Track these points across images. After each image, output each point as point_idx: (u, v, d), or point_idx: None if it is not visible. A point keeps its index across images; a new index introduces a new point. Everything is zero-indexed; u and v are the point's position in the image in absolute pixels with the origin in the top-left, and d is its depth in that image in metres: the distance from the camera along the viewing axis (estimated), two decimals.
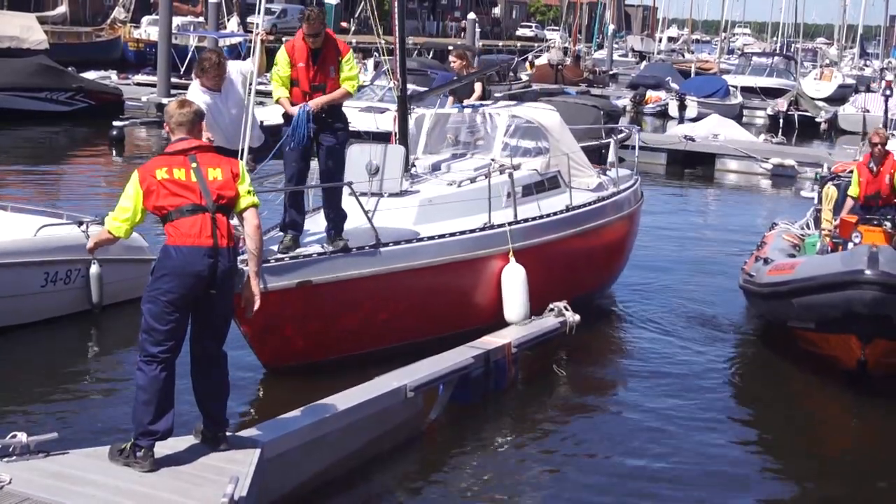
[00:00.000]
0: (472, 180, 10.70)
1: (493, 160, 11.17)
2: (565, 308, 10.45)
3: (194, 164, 6.32)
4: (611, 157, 13.80)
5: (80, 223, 10.85)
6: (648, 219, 19.17)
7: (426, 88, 16.14)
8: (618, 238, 12.60)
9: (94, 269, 10.70)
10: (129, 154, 24.57)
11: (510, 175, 10.63)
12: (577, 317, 10.46)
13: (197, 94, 9.40)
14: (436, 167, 11.27)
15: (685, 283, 14.19)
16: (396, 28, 11.06)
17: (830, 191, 12.95)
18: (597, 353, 11.14)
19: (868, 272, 9.39)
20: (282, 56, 9.18)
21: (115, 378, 9.47)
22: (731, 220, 20.42)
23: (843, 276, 9.58)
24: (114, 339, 10.74)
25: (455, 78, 12.69)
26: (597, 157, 14.07)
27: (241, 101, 9.49)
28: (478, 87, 12.52)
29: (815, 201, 13.93)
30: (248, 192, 6.46)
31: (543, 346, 10.24)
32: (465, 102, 12.21)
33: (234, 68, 9.77)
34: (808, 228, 13.49)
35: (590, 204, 11.67)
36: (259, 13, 9.93)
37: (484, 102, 12.21)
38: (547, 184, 11.46)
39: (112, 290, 10.92)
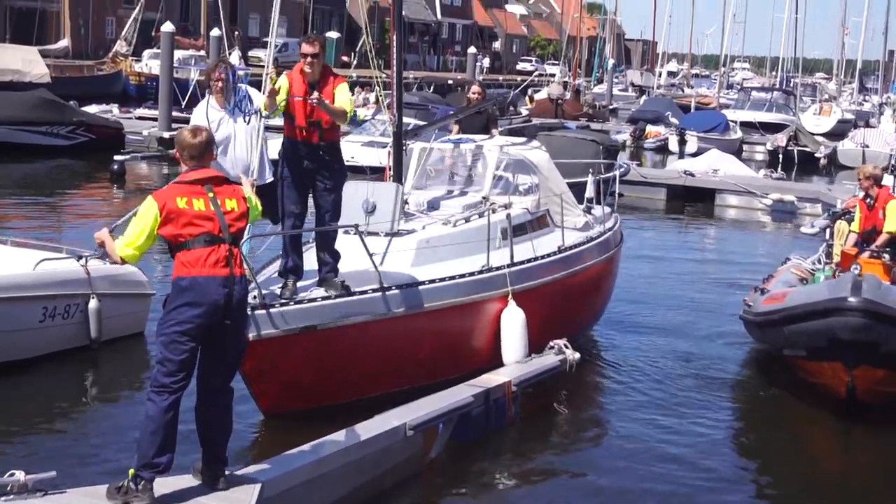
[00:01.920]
0: (467, 219, 10.57)
1: (484, 198, 11.08)
2: (565, 346, 10.41)
3: (211, 195, 6.43)
4: (588, 193, 13.64)
5: (80, 258, 10.83)
6: (648, 253, 19.23)
7: (425, 123, 16.11)
8: (605, 277, 12.60)
9: (93, 304, 10.64)
10: (129, 188, 24.58)
11: (508, 216, 10.50)
12: (577, 355, 10.43)
13: (208, 110, 9.43)
14: (427, 204, 11.11)
15: (684, 319, 14.15)
16: (394, 62, 11.01)
17: (842, 226, 13.02)
18: (596, 392, 11.10)
19: (851, 299, 9.53)
20: (283, 82, 8.95)
21: (114, 415, 9.42)
22: (731, 255, 20.39)
23: (828, 303, 9.76)
24: (112, 375, 10.67)
25: (451, 112, 12.63)
26: (594, 191, 14.01)
27: (252, 127, 9.41)
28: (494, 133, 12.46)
29: (827, 236, 14.02)
30: (256, 205, 6.83)
31: (543, 385, 10.19)
32: (453, 136, 12.12)
33: (255, 96, 9.69)
34: (820, 263, 13.52)
35: (582, 244, 11.63)
36: (270, 47, 9.75)
37: (472, 137, 12.07)
38: (538, 223, 11.40)
39: (111, 325, 10.87)
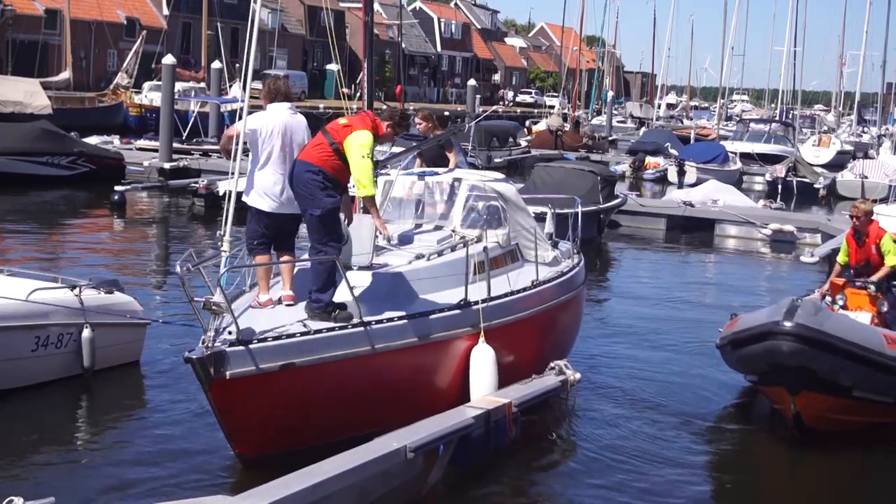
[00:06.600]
0: (440, 253, 10.29)
1: (453, 231, 10.91)
2: (566, 366, 10.38)
3: None
4: (547, 227, 13.41)
5: (74, 287, 10.80)
6: (646, 282, 19.23)
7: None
8: (576, 312, 12.41)
9: (86, 333, 10.59)
10: (130, 218, 24.62)
11: (485, 249, 10.19)
12: (578, 374, 10.40)
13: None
14: (397, 238, 10.74)
15: (677, 346, 14.14)
16: (365, 90, 10.89)
17: None
18: (594, 419, 11.04)
19: (785, 323, 9.52)
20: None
21: (108, 443, 9.39)
22: (730, 284, 20.34)
23: (763, 327, 9.81)
24: (105, 403, 10.62)
25: (416, 144, 12.45)
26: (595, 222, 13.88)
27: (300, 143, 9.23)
28: (451, 158, 12.34)
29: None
30: None
31: (543, 408, 10.14)
32: (416, 169, 11.95)
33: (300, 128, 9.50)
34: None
35: (554, 278, 11.40)
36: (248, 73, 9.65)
37: (436, 170, 11.85)
38: (509, 257, 11.20)
39: (105, 354, 10.83)
